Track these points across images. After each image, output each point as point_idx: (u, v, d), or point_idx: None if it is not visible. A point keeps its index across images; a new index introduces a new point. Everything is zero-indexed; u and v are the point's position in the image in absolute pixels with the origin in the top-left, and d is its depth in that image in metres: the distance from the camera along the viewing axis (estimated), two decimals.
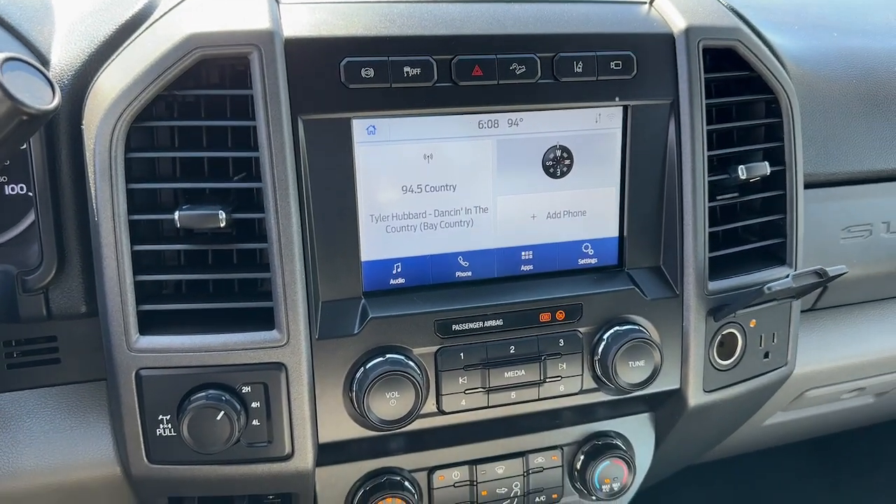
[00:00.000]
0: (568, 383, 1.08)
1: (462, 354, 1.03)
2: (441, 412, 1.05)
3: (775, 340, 1.21)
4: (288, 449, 0.99)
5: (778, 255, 1.19)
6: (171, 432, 0.96)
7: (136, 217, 0.93)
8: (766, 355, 1.20)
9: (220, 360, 0.95)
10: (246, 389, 0.96)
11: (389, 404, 0.98)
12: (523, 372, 1.06)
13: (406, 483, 1.10)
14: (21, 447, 1.03)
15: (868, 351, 1.42)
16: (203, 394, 0.94)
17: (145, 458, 0.97)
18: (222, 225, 0.91)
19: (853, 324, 1.42)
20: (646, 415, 1.22)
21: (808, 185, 1.25)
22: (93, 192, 0.93)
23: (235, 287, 1.00)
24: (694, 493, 2.42)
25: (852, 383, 1.47)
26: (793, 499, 2.45)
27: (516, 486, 1.16)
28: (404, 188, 1.02)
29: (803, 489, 2.47)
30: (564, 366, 1.07)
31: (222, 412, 0.93)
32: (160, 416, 0.95)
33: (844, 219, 1.32)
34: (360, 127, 0.97)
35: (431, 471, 1.13)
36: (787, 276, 1.06)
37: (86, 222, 0.97)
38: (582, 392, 1.10)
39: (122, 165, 0.91)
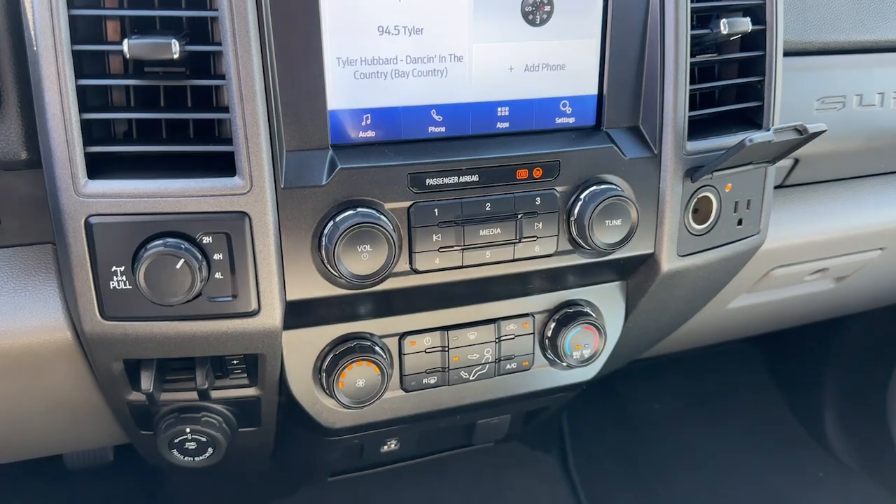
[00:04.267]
0: (543, 244, 1.05)
1: (436, 210, 0.99)
2: (414, 271, 1.00)
3: (749, 208, 1.19)
4: (254, 305, 0.94)
5: (754, 120, 1.16)
6: (125, 285, 0.89)
7: (79, 47, 0.84)
8: (740, 222, 1.19)
9: (178, 207, 0.88)
10: (207, 240, 0.90)
11: (361, 258, 0.94)
12: (499, 230, 1.02)
13: (377, 348, 1.07)
14: None
15: (835, 228, 1.42)
16: (160, 241, 0.87)
17: (98, 314, 0.91)
18: (176, 56, 0.83)
19: (822, 201, 1.42)
20: (616, 284, 1.21)
21: (784, 54, 1.22)
22: (30, 18, 0.83)
23: (191, 132, 0.93)
24: (650, 388, 2.48)
25: (817, 263, 1.49)
26: (744, 395, 2.53)
27: (488, 352, 1.14)
28: (374, 28, 0.94)
29: (753, 385, 2.55)
30: (540, 225, 1.04)
31: (182, 260, 0.87)
32: (114, 268, 0.89)
33: (819, 89, 1.30)
34: None
35: (402, 336, 1.10)
36: (769, 131, 1.03)
37: (23, 57, 0.88)
38: (557, 254, 1.07)
39: None
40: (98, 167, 0.88)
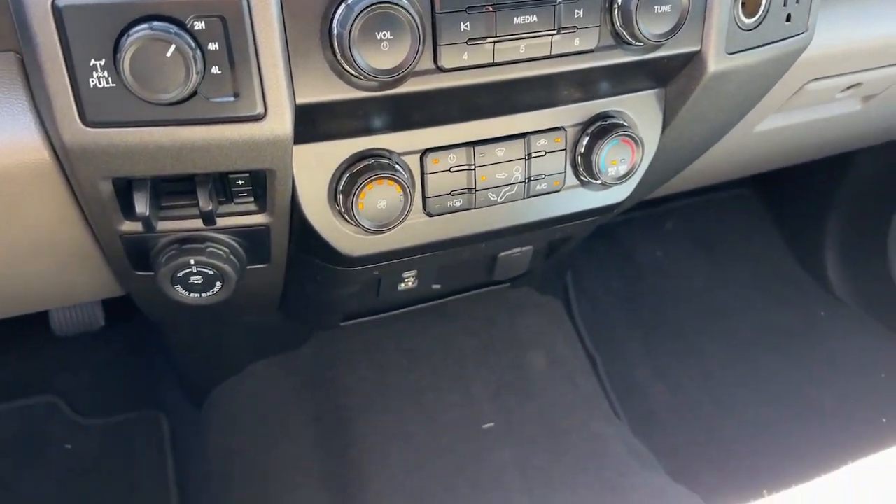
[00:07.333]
0: (584, 36, 0.92)
1: None
2: (439, 69, 0.88)
3: (798, 1, 1.07)
4: (259, 107, 0.81)
5: None
6: (108, 82, 0.76)
7: None
8: (788, 18, 1.07)
9: None
10: (199, 25, 0.75)
11: (381, 48, 0.80)
12: (535, 18, 0.89)
13: (397, 166, 0.96)
14: None
15: (880, 34, 1.31)
16: (146, 24, 0.73)
17: (78, 120, 0.78)
18: None
19: (865, 4, 1.30)
20: (653, 92, 1.09)
21: None
22: None
23: None
24: (652, 236, 2.43)
25: (852, 76, 1.38)
26: (746, 240, 2.51)
27: (517, 170, 1.04)
28: None
29: (755, 230, 2.52)
30: (581, 13, 0.91)
31: (173, 46, 0.73)
32: (92, 62, 0.75)
33: None
34: None
35: (424, 154, 0.99)
36: None
37: None
38: (598, 49, 0.94)
39: None
40: None
